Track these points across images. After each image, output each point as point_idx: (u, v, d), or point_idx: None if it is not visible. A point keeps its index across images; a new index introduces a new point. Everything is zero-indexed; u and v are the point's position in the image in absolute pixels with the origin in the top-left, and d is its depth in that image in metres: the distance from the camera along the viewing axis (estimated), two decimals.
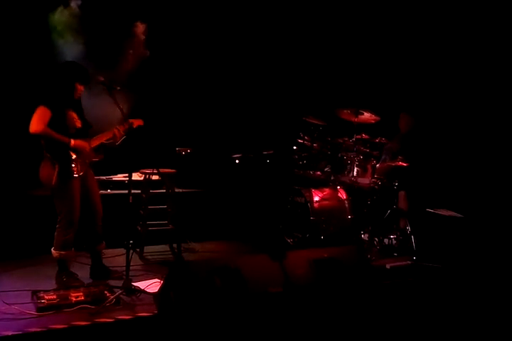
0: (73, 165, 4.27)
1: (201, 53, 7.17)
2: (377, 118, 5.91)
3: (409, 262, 5.27)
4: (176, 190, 5.61)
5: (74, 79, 4.35)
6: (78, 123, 4.42)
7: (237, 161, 6.56)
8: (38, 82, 5.47)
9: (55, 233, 4.34)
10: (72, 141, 4.25)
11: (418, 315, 4.09)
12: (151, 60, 5.85)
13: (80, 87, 4.42)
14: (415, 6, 6.90)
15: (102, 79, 4.29)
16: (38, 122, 4.13)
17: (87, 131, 4.48)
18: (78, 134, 4.37)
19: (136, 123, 4.78)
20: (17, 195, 5.73)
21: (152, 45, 6.46)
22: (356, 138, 5.85)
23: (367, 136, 5.97)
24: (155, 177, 5.57)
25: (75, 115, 4.41)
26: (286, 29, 7.42)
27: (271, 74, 7.55)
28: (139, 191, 5.47)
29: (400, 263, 5.24)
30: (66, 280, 4.30)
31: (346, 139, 5.97)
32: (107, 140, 4.55)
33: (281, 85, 7.58)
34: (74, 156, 4.29)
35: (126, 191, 4.27)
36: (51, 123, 4.18)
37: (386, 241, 5.65)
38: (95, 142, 4.48)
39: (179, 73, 7.11)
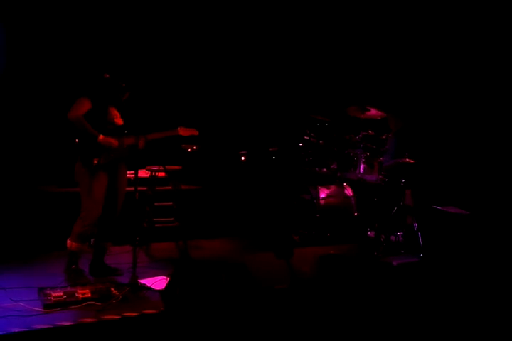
0: (95, 158, 4.29)
1: (209, 51, 7.17)
2: (384, 114, 5.87)
3: (416, 259, 5.26)
4: (182, 187, 5.61)
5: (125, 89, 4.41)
6: (119, 121, 4.47)
7: (243, 158, 6.54)
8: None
9: (74, 224, 4.38)
10: (101, 136, 4.28)
11: (425, 312, 4.07)
12: (159, 57, 5.85)
13: (127, 94, 4.46)
14: (417, 7, 6.90)
15: (108, 76, 4.26)
16: (74, 109, 4.25)
17: (127, 130, 4.49)
18: (117, 131, 4.42)
19: (189, 132, 4.79)
20: (25, 192, 5.75)
21: (157, 41, 6.46)
22: (363, 135, 5.82)
23: (373, 133, 5.93)
24: (161, 174, 5.57)
25: (117, 113, 4.46)
26: (292, 26, 7.40)
27: (277, 71, 7.53)
28: (145, 188, 5.48)
29: (407, 260, 5.22)
30: (74, 277, 4.31)
31: (353, 136, 5.94)
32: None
33: (288, 82, 7.56)
34: (99, 150, 4.32)
35: (133, 188, 4.25)
36: (91, 116, 4.27)
37: (393, 238, 5.63)
38: (129, 141, 4.47)
39: (185, 70, 7.11)
